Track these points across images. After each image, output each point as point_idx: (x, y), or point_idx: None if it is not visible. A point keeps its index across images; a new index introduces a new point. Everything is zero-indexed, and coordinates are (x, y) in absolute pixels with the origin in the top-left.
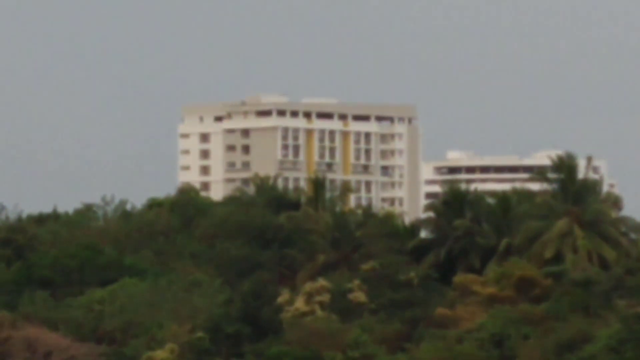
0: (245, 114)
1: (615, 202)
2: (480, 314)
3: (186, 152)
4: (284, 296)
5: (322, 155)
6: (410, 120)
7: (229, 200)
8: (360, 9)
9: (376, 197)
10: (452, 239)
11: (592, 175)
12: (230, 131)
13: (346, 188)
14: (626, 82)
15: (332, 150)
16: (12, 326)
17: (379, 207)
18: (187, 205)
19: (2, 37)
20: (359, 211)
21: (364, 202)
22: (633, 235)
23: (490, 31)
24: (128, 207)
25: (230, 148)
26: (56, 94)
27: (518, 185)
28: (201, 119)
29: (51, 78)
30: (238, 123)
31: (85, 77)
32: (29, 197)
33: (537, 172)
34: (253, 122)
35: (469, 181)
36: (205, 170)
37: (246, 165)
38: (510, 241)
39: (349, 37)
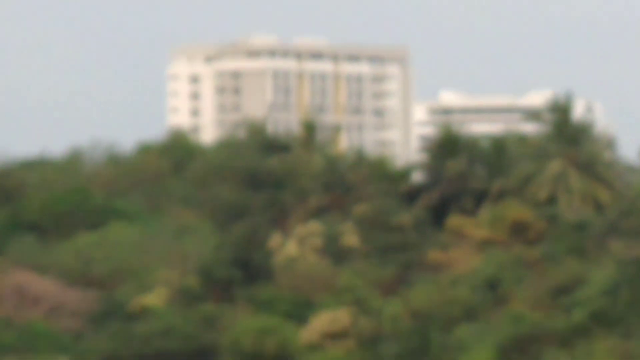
0: (235, 55)
1: (610, 143)
2: (474, 257)
3: (175, 93)
4: (275, 240)
5: (313, 97)
6: (402, 61)
7: (220, 144)
8: None
9: (368, 139)
10: (445, 182)
11: (587, 117)
12: (220, 72)
13: (336, 130)
14: (622, 24)
15: (323, 92)
16: (0, 272)
17: (371, 149)
18: (177, 148)
19: None
20: (352, 154)
21: (355, 145)
22: (628, 177)
23: None
24: (117, 150)
25: (221, 90)
26: (41, 37)
27: (512, 125)
28: (190, 60)
29: (36, 22)
30: (228, 64)
31: (70, 20)
32: (15, 140)
33: (532, 113)
34: (243, 63)
35: (462, 122)
36: (194, 112)
37: (237, 107)
38: (504, 183)
39: None
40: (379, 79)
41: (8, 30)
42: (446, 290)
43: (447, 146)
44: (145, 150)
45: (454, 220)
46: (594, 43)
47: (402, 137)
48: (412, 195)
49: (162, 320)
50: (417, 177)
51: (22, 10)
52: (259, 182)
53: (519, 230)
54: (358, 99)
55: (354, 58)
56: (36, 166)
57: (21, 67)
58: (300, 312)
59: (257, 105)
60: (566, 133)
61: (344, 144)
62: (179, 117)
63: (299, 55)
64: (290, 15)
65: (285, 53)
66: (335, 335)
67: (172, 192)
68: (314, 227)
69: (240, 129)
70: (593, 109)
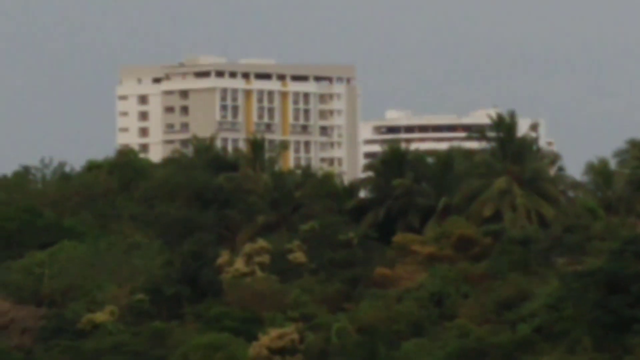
0: (184, 75)
1: (553, 160)
2: (420, 273)
3: (124, 114)
4: (223, 257)
5: (260, 116)
6: (348, 80)
7: (168, 162)
8: None
9: (315, 157)
10: (391, 199)
11: (531, 134)
12: (169, 92)
13: (283, 146)
14: (563, 41)
15: (270, 111)
16: None
17: (317, 167)
18: (126, 167)
19: None
20: (298, 171)
21: (303, 163)
22: (571, 193)
23: None
24: (67, 169)
25: (169, 109)
26: None
27: (456, 144)
28: (139, 80)
29: None
30: (176, 84)
31: (21, 41)
32: None
33: (476, 131)
34: (191, 84)
35: (407, 140)
36: (143, 132)
37: (185, 126)
38: (450, 200)
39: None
40: (325, 97)
41: None
42: (392, 306)
43: (393, 163)
44: (95, 169)
45: (400, 237)
46: (536, 63)
47: (348, 155)
48: (359, 212)
49: (112, 337)
50: (364, 194)
51: None
52: (207, 200)
53: (464, 246)
54: (305, 117)
55: (300, 77)
56: None
57: None
58: (248, 328)
59: (205, 124)
60: (510, 150)
61: (291, 162)
62: (128, 136)
63: (246, 75)
64: (237, 36)
65: (232, 73)
66: (284, 351)
67: (121, 210)
68: (262, 244)
69: (188, 148)
70: (537, 126)
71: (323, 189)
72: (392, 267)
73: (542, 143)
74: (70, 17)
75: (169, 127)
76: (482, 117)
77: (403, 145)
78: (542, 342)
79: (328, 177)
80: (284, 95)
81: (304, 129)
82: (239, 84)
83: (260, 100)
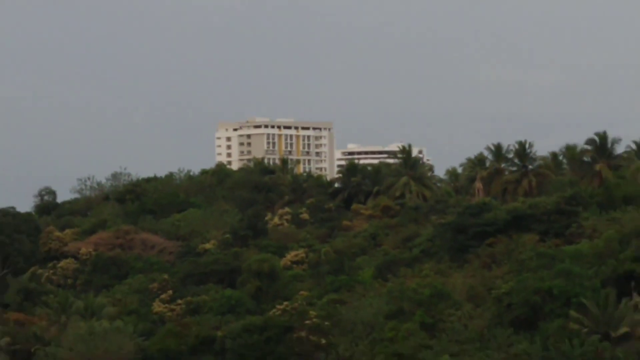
0: (248, 127)
1: (430, 168)
2: (365, 224)
3: (219, 146)
4: (268, 216)
5: (286, 147)
6: (329, 129)
7: (241, 170)
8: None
9: (313, 168)
10: (350, 187)
11: (419, 155)
12: (241, 135)
13: (297, 162)
14: (436, 107)
15: (291, 145)
16: (134, 233)
17: (314, 172)
18: (220, 172)
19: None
20: (305, 174)
21: (307, 170)
22: (438, 184)
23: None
24: (191, 173)
25: (242, 144)
26: (149, 119)
27: (383, 161)
28: (227, 129)
29: (147, 110)
30: (245, 131)
31: (168, 109)
32: (142, 166)
33: (392, 154)
34: (252, 131)
35: (358, 159)
36: (229, 155)
37: (249, 152)
38: (379, 188)
39: (299, 87)
40: (318, 138)
41: (118, 115)
42: (351, 240)
43: (352, 170)
44: (205, 173)
45: (355, 206)
46: (422, 120)
47: (329, 166)
48: (335, 194)
49: (213, 255)
50: (337, 185)
51: (130, 99)
52: (260, 189)
53: (386, 211)
54: (308, 147)
55: (305, 127)
56: (151, 181)
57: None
58: (281, 251)
59: (259, 152)
60: (409, 163)
61: (302, 170)
62: (221, 157)
63: (279, 127)
64: (274, 105)
65: (272, 126)
66: (298, 262)
67: (218, 194)
68: (287, 210)
69: (251, 163)
70: (422, 152)
71: (317, 183)
72: (351, 221)
73: (425, 160)
74: (191, 92)
75: (242, 152)
76: (395, 147)
77: (356, 161)
78: (424, 257)
79: (320, 177)
80: (297, 137)
81: (307, 153)
82: (275, 131)
83: (286, 139)
